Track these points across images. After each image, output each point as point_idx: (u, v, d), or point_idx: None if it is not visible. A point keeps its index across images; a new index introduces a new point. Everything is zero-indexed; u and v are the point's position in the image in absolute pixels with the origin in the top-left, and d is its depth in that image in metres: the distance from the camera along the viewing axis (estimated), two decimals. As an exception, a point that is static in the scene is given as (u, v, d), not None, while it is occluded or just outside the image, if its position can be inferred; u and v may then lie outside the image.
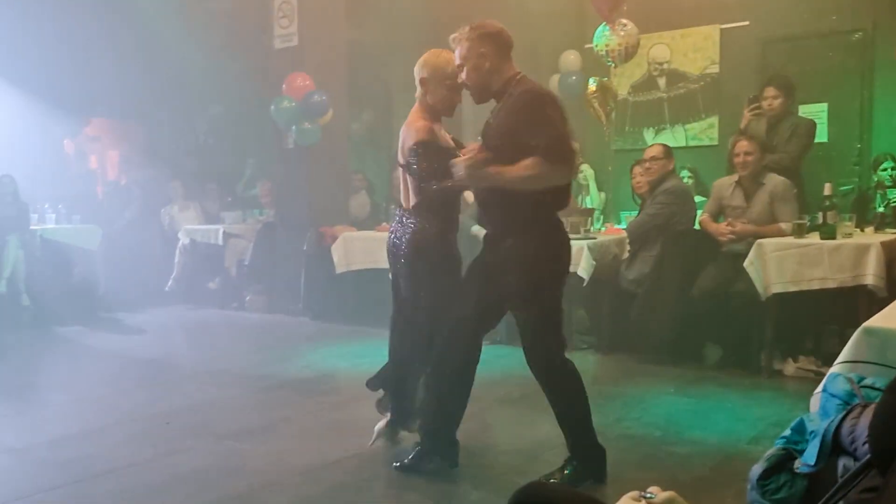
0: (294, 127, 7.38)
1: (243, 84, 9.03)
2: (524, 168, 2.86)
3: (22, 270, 7.54)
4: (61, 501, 3.12)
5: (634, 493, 1.19)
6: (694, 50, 7.77)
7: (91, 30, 9.16)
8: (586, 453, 3.13)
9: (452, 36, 3.09)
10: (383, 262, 6.49)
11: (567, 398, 3.13)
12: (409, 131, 3.32)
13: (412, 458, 3.28)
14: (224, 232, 8.11)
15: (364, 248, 6.75)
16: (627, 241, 5.55)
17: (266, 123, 7.89)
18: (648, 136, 7.94)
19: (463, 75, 3.09)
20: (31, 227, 7.93)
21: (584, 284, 5.38)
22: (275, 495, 3.16)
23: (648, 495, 1.17)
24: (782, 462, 1.65)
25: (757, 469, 1.64)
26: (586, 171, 7.29)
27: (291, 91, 7.35)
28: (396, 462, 3.35)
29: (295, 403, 4.49)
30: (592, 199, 7.14)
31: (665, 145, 5.55)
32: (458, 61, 3.08)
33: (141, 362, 5.75)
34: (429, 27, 9.25)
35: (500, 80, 3.03)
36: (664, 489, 1.22)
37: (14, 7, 8.64)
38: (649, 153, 5.41)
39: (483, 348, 5.93)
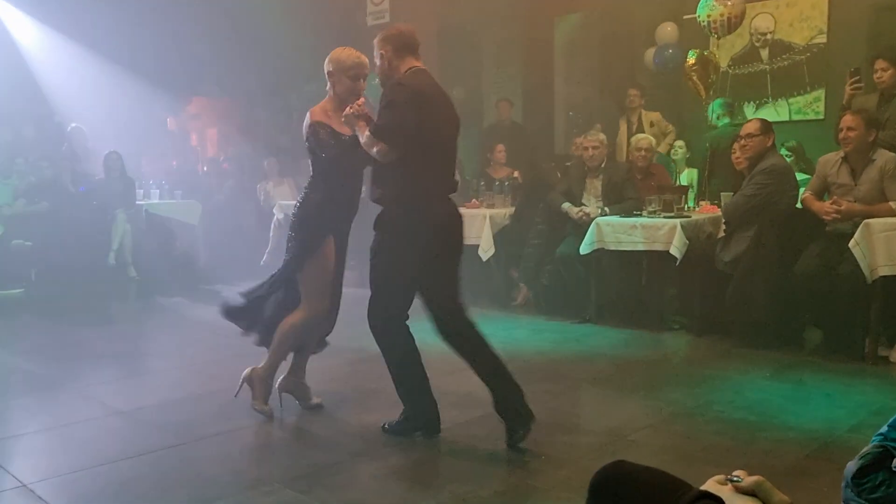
0: (386, 104, 7.44)
1: (337, 62, 9.15)
2: (366, 136, 3.32)
3: (129, 243, 7.94)
4: (165, 462, 3.29)
5: (720, 477, 1.16)
6: (800, 19, 7.40)
7: (191, 11, 9.47)
8: (414, 408, 3.50)
9: (374, 41, 3.56)
10: (472, 239, 6.57)
11: (392, 358, 3.54)
12: (308, 115, 3.73)
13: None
14: (317, 207, 8.28)
15: (453, 225, 6.78)
16: (723, 220, 5.38)
17: (358, 100, 7.98)
18: (749, 110, 7.64)
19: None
20: (137, 202, 8.32)
21: (677, 263, 5.26)
22: (364, 465, 3.23)
23: (735, 479, 1.14)
24: (879, 460, 1.56)
25: (852, 466, 1.56)
26: (679, 149, 7.10)
27: (383, 68, 7.41)
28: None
29: (385, 376, 4.52)
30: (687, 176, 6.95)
31: (762, 121, 5.31)
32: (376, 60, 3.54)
33: (237, 333, 5.95)
34: (520, 2, 9.16)
35: (397, 75, 3.43)
36: (754, 474, 1.18)
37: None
38: (745, 129, 5.21)
39: (572, 327, 5.94)
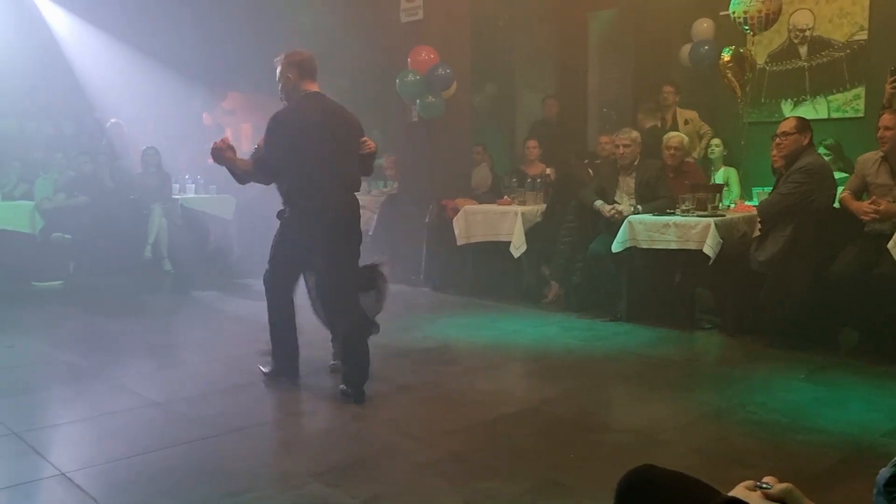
0: (418, 100, 7.46)
1: (369, 57, 9.19)
2: (246, 165, 4.19)
3: (165, 237, 8.05)
4: (197, 454, 3.34)
5: (749, 483, 1.15)
6: (840, 15, 7.27)
7: (225, 7, 9.57)
8: (275, 357, 4.36)
9: (275, 59, 4.15)
10: (504, 235, 6.58)
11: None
12: None
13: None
14: (349, 203, 8.31)
15: (485, 221, 6.79)
16: (758, 219, 5.31)
17: (391, 96, 8.01)
18: (786, 108, 7.53)
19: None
20: (173, 197, 8.44)
21: (710, 263, 5.20)
22: (393, 460, 3.25)
23: (764, 485, 1.13)
24: (912, 468, 1.53)
25: (884, 473, 1.54)
26: (715, 147, 7.02)
27: (416, 64, 7.42)
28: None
29: (414, 372, 4.59)
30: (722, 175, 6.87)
31: (799, 118, 5.22)
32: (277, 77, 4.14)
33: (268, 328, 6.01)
34: (547, 0, 9.12)
35: (296, 96, 4.08)
36: (787, 480, 1.17)
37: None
38: (781, 127, 5.13)
39: (603, 325, 5.95)
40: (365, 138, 4.22)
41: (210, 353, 5.23)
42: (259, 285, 7.73)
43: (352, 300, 4.15)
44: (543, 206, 6.67)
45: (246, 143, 11.16)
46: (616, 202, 5.99)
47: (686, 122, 7.38)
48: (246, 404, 4.03)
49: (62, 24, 9.89)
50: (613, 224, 5.77)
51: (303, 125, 4.00)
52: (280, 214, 4.19)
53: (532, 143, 7.66)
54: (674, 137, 6.25)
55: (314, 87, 4.13)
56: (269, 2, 9.68)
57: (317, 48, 10.03)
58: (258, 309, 6.75)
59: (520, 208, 6.59)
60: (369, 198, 8.41)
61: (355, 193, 4.20)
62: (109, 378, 4.53)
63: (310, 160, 4.00)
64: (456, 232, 6.92)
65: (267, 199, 9.16)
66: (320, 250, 4.06)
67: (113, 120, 9.25)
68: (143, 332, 5.90)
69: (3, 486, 3.01)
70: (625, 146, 5.98)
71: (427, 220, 7.39)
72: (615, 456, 3.20)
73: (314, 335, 4.60)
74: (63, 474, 3.08)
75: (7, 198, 8.40)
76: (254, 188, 9.27)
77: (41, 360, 5.12)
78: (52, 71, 9.62)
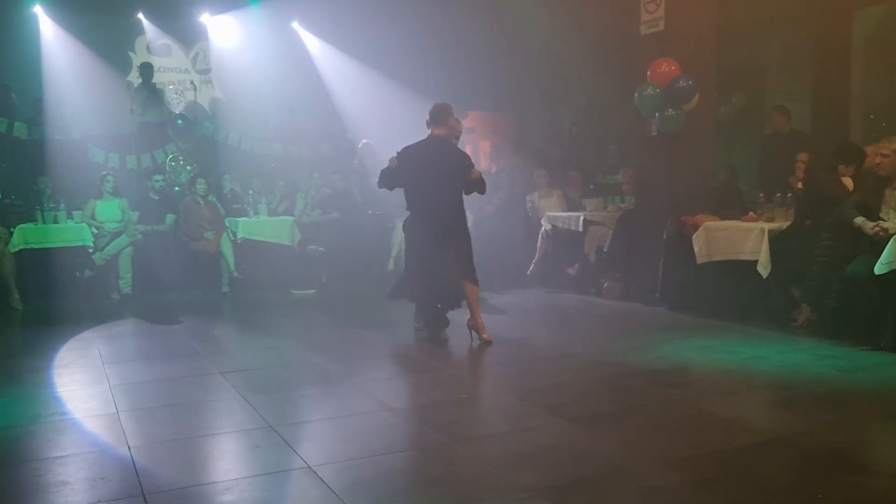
0: (658, 114, 7.24)
1: (608, 72, 9.08)
2: None
3: (403, 250, 8.50)
4: (428, 459, 3.46)
5: None
6: None
7: (469, 31, 9.94)
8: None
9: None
10: (747, 254, 6.18)
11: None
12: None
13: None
14: (584, 219, 8.25)
15: (727, 239, 6.42)
16: None
17: (630, 111, 7.85)
18: None
19: None
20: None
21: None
22: (621, 483, 3.15)
23: None
24: None
25: None
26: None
27: (656, 77, 7.22)
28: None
29: (646, 393, 4.43)
30: None
31: None
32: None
33: (502, 341, 6.09)
34: (805, 2, 8.45)
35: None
36: None
37: (404, 17, 9.72)
38: None
39: (863, 354, 5.42)
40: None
41: (445, 362, 5.41)
42: (493, 299, 7.97)
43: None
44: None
45: (484, 159, 11.50)
46: (881, 219, 5.39)
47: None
48: (476, 415, 4.12)
49: (319, 53, 10.85)
50: (877, 243, 5.19)
51: (406, 156, 5.83)
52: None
53: (802, 156, 7.01)
54: (892, 142, 5.45)
55: (431, 131, 5.81)
56: (508, 23, 9.91)
57: (557, 65, 10.15)
58: (491, 322, 6.90)
59: (766, 225, 6.14)
60: (605, 213, 8.30)
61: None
62: (354, 381, 4.83)
63: (409, 182, 5.87)
64: (695, 249, 6.60)
65: (503, 215, 9.43)
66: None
67: (364, 141, 9.95)
68: (386, 339, 6.24)
69: (259, 473, 3.30)
70: (883, 156, 5.36)
71: (665, 237, 7.12)
72: (874, 501, 2.85)
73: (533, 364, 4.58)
74: (309, 467, 3.31)
75: (272, 213, 9.34)
76: (491, 205, 9.56)
77: (296, 361, 5.59)
78: (312, 98, 10.58)
